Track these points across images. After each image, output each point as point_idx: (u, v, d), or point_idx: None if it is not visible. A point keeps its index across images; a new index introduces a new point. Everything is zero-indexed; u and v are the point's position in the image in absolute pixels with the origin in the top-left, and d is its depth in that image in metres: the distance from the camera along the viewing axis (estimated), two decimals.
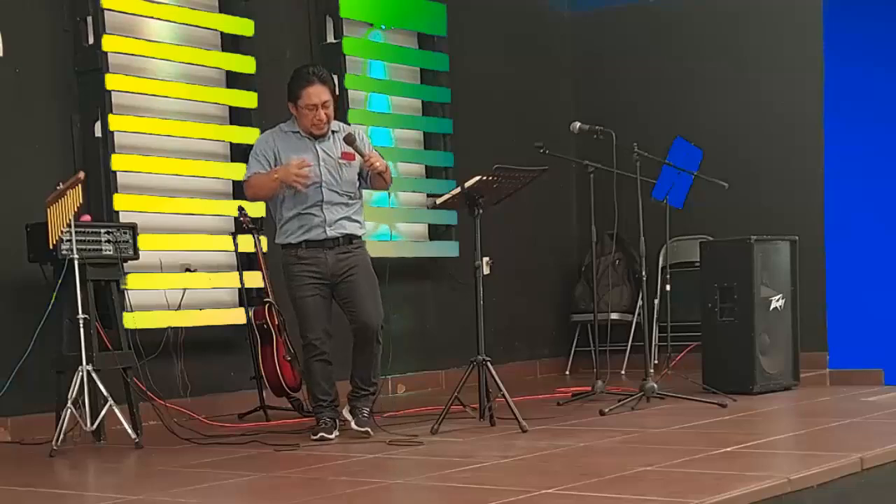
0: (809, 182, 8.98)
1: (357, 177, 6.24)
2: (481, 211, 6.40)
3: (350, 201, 6.21)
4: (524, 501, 4.23)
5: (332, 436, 6.08)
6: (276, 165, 6.13)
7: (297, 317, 6.19)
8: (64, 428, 5.95)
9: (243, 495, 4.91)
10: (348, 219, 6.19)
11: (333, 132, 6.24)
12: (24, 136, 6.85)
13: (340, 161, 6.19)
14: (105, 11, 7.00)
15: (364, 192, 6.39)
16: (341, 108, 8.28)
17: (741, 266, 7.64)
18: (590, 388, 7.32)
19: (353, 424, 6.16)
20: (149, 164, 7.24)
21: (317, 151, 6.17)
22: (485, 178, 6.30)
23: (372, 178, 6.21)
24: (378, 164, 6.12)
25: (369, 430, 6.12)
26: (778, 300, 7.76)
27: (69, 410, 5.96)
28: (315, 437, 6.07)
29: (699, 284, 7.88)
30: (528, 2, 10.00)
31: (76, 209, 6.04)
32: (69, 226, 6.04)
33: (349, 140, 6.15)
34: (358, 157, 6.15)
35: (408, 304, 8.72)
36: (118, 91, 7.08)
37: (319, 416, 6.19)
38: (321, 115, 6.13)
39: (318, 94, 6.11)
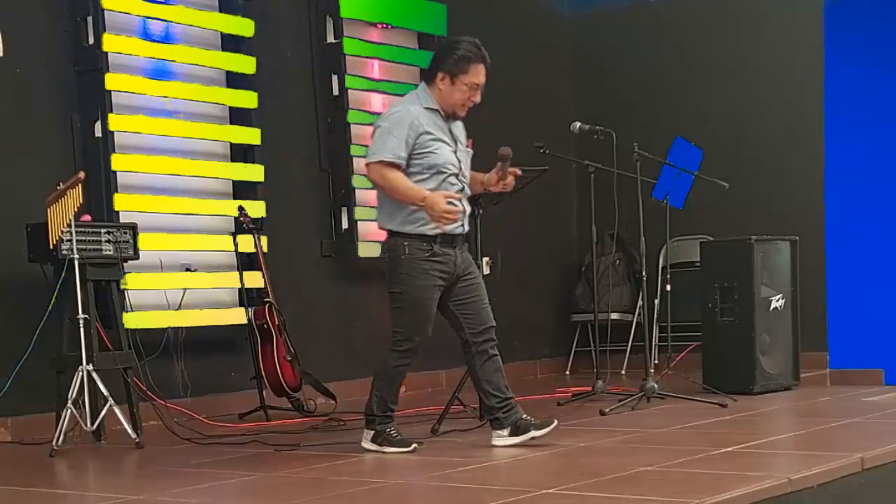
0: (809, 182, 8.98)
1: None
2: (481, 211, 6.39)
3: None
4: (524, 501, 4.23)
5: (416, 445, 5.55)
6: (415, 149, 5.44)
7: (412, 316, 5.47)
8: (64, 428, 5.95)
9: (243, 495, 4.91)
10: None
11: None
12: (24, 136, 6.85)
13: (468, 149, 5.69)
14: (105, 11, 7.00)
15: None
16: (341, 108, 8.29)
17: (741, 266, 7.63)
18: (590, 388, 7.32)
19: (533, 434, 5.47)
20: (149, 164, 7.24)
21: (453, 136, 5.60)
22: None
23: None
24: (511, 187, 5.65)
25: (550, 425, 5.48)
26: (778, 300, 7.76)
27: (69, 410, 5.96)
28: (407, 450, 5.49)
29: (699, 284, 7.88)
30: (528, 2, 9.99)
31: (76, 209, 6.04)
32: (69, 226, 6.04)
33: (504, 157, 5.57)
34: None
35: None
36: (118, 91, 7.08)
37: (387, 428, 5.53)
38: (477, 97, 5.53)
39: (484, 74, 5.49)
